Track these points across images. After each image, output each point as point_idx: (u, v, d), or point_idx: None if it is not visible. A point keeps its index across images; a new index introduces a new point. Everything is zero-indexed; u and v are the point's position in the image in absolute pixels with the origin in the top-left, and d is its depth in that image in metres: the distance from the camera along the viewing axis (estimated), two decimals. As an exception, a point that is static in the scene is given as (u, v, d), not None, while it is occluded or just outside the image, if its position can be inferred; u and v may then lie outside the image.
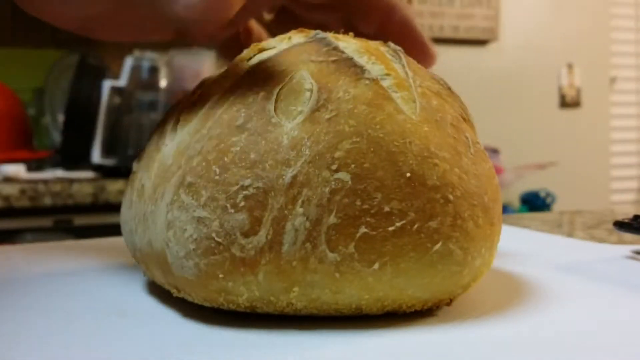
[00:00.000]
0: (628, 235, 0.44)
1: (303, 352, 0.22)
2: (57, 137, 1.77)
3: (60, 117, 1.73)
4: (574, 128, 2.47)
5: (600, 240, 0.47)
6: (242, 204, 0.23)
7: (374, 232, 0.23)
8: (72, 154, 1.61)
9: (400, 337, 0.23)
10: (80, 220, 1.40)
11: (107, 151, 1.51)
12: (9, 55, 1.67)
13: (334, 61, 0.26)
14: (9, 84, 1.60)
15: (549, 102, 2.45)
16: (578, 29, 2.45)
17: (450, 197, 0.24)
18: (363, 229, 0.23)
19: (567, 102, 2.47)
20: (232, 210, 0.23)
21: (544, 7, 2.41)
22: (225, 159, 0.24)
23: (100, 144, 1.52)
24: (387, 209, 0.23)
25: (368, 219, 0.23)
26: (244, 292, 0.23)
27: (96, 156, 1.52)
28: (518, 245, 0.42)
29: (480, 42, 2.29)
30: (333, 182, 0.23)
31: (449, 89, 0.28)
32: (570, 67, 2.46)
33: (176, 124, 0.27)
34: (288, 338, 0.23)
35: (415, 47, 0.35)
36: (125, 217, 0.29)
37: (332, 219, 0.23)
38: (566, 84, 2.47)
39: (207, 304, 0.25)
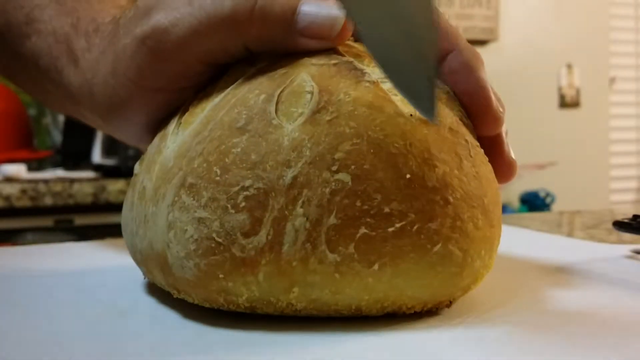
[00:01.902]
0: (627, 235, 0.44)
1: (303, 352, 0.22)
2: (57, 137, 1.77)
3: (61, 117, 1.73)
4: (574, 128, 2.47)
5: (600, 240, 0.47)
6: (243, 204, 0.23)
7: (374, 233, 0.23)
8: (73, 153, 1.61)
9: (400, 337, 0.23)
10: (80, 220, 1.40)
11: (107, 151, 1.51)
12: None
13: (334, 64, 0.26)
14: (10, 83, 1.60)
15: (549, 102, 2.45)
16: (578, 29, 2.45)
17: (450, 198, 0.24)
18: (363, 230, 0.23)
19: (567, 102, 2.47)
20: (233, 211, 0.23)
21: (543, 7, 2.41)
22: (226, 160, 0.24)
23: (100, 143, 1.52)
24: (387, 210, 0.23)
25: (368, 219, 0.23)
26: (244, 293, 0.23)
27: (97, 156, 1.52)
28: (518, 245, 0.42)
29: (480, 42, 2.29)
30: (333, 183, 0.23)
31: (448, 92, 0.28)
32: (569, 67, 2.46)
33: (178, 126, 0.27)
34: (288, 338, 0.23)
35: (475, 102, 0.28)
36: (127, 219, 0.30)
37: (332, 220, 0.23)
38: (566, 84, 2.47)
39: (207, 305, 0.25)
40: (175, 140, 0.27)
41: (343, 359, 0.21)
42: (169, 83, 0.29)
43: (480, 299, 0.26)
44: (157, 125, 0.31)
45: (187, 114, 0.28)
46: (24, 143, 1.60)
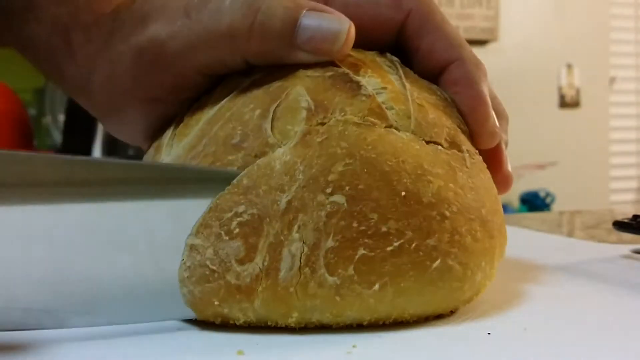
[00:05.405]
0: (627, 235, 0.44)
1: (302, 353, 0.22)
2: (57, 137, 1.77)
3: (61, 117, 1.73)
4: (574, 128, 2.47)
5: (600, 239, 0.47)
6: (237, 230, 0.23)
7: (373, 253, 0.23)
8: (73, 153, 1.60)
9: (399, 336, 0.23)
10: (80, 220, 1.40)
11: (107, 151, 1.51)
12: (9, 55, 1.67)
13: (329, 76, 0.25)
14: (10, 84, 1.60)
15: (549, 102, 2.46)
16: (578, 29, 2.45)
17: (447, 213, 0.24)
18: (362, 251, 0.23)
19: (567, 102, 2.48)
20: (227, 237, 0.23)
21: (543, 7, 2.41)
22: None
23: (100, 144, 1.52)
24: (384, 229, 0.23)
25: (366, 240, 0.23)
26: (241, 317, 0.23)
27: (97, 156, 1.52)
28: (518, 245, 0.42)
29: (480, 43, 2.29)
30: (329, 206, 0.23)
31: (446, 99, 0.28)
32: (569, 67, 2.47)
33: (172, 137, 0.27)
34: (286, 340, 0.23)
35: (472, 116, 0.28)
36: None
37: (330, 243, 0.22)
38: (566, 84, 2.47)
39: (204, 319, 0.25)
40: (170, 152, 0.26)
41: (344, 358, 0.21)
42: (166, 94, 0.29)
43: (481, 298, 0.27)
44: (155, 131, 0.31)
45: (181, 125, 0.27)
46: (25, 143, 1.60)
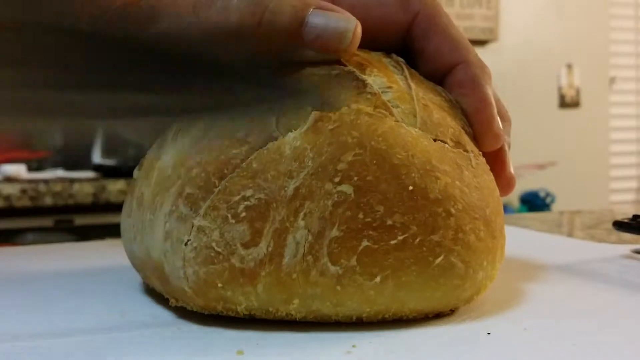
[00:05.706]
0: (627, 235, 0.44)
1: (302, 351, 0.22)
2: (57, 136, 1.77)
3: (61, 117, 1.73)
4: (574, 128, 2.47)
5: (600, 240, 0.47)
6: (243, 214, 0.23)
7: (376, 246, 0.23)
8: (72, 154, 1.61)
9: (399, 336, 0.23)
10: (80, 220, 1.40)
11: (107, 151, 1.51)
12: (9, 55, 1.66)
13: (336, 75, 0.26)
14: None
15: (549, 102, 2.45)
16: (578, 29, 2.45)
17: (452, 210, 0.24)
18: (365, 243, 0.23)
19: (567, 102, 2.47)
20: (233, 221, 0.23)
21: (543, 7, 2.41)
22: (225, 170, 0.24)
23: (100, 143, 1.52)
24: (389, 222, 0.23)
25: (370, 232, 0.23)
26: (243, 302, 0.23)
27: (97, 156, 1.52)
28: (518, 245, 0.42)
29: (480, 43, 2.29)
30: (336, 195, 0.23)
31: (451, 101, 0.28)
32: (569, 67, 2.46)
33: (177, 132, 0.27)
34: (286, 339, 0.23)
35: (477, 118, 0.28)
36: (125, 225, 0.29)
37: (335, 232, 0.23)
38: (566, 84, 2.47)
39: (205, 312, 0.25)
40: (174, 146, 0.27)
41: (343, 358, 0.21)
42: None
43: (481, 298, 0.27)
44: (159, 127, 0.31)
45: (186, 120, 0.27)
46: (24, 143, 1.60)
